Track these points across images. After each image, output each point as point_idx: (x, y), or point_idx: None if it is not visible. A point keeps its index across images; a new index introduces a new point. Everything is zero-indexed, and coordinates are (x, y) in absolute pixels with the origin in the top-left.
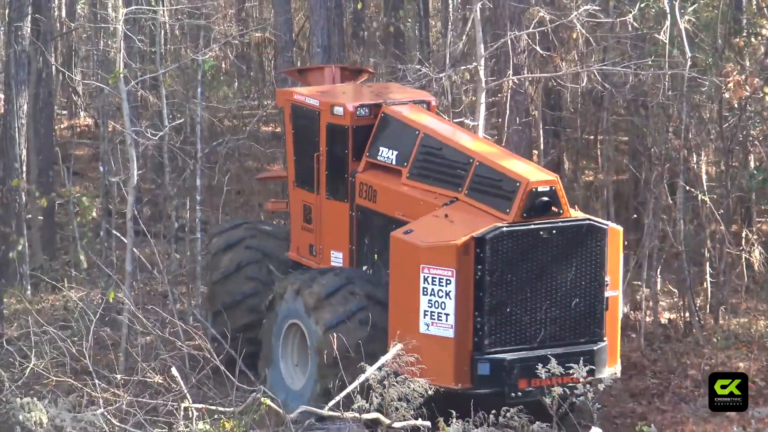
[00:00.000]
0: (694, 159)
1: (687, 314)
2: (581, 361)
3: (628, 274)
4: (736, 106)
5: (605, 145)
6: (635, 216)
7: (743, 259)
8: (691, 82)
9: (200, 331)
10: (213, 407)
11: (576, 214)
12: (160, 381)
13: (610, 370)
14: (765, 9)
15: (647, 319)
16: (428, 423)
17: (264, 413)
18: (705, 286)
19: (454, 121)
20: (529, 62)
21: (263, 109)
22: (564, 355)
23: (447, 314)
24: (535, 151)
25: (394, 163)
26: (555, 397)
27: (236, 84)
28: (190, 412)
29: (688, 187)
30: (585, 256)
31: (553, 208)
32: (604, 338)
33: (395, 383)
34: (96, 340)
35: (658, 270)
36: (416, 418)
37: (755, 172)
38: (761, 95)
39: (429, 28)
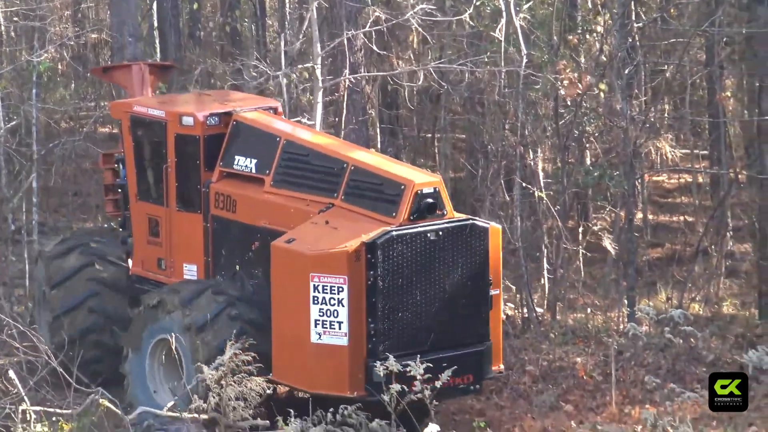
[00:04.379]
0: (531, 156)
1: (525, 310)
2: (470, 363)
3: None
4: (570, 102)
5: (442, 143)
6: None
7: (580, 255)
8: (526, 80)
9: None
10: (51, 410)
11: (458, 214)
12: None
13: (495, 369)
14: (599, 6)
15: None
16: (267, 422)
17: (102, 415)
18: (542, 282)
19: (291, 120)
20: (366, 61)
21: (100, 111)
22: (454, 357)
23: (340, 322)
24: (372, 150)
25: (254, 171)
26: (393, 395)
27: (73, 85)
28: (27, 415)
29: (524, 184)
30: (470, 257)
31: (438, 210)
32: (489, 339)
33: (232, 383)
34: None
35: None
36: (255, 418)
37: (591, 168)
38: (596, 92)
39: (266, 28)
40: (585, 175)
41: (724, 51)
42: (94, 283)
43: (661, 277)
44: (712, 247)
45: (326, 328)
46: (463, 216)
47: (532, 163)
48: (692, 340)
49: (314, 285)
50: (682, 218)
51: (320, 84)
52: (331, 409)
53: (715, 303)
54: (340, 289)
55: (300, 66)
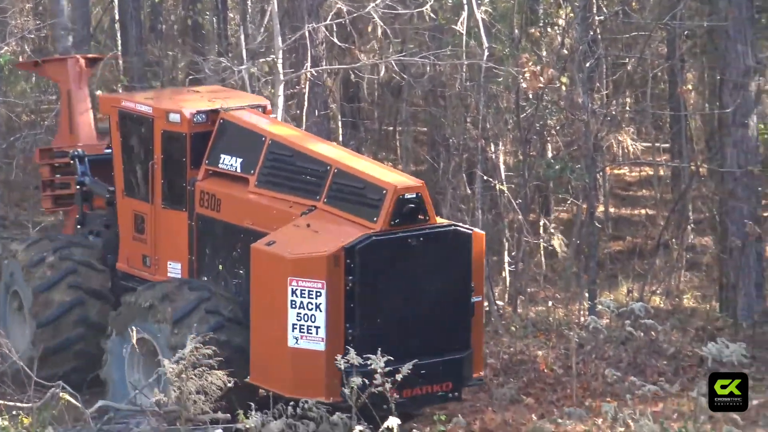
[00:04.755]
0: (492, 149)
1: (486, 303)
2: (450, 371)
3: None
4: (532, 96)
5: (404, 136)
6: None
7: (541, 248)
8: (488, 73)
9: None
10: (11, 403)
11: (440, 220)
12: None
13: (476, 376)
14: None
15: None
16: (228, 416)
17: (63, 408)
18: (503, 275)
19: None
20: (328, 54)
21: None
22: (434, 364)
23: (318, 327)
24: (334, 143)
25: (239, 170)
26: (354, 388)
27: (34, 78)
28: None
29: (485, 177)
30: (452, 263)
31: (420, 215)
32: (471, 346)
33: (193, 376)
34: None
35: None
36: (216, 411)
37: (552, 161)
38: (557, 85)
39: (227, 21)
40: (546, 168)
41: (685, 44)
42: (83, 327)
43: (622, 270)
44: (673, 240)
45: (303, 332)
46: (445, 222)
47: (494, 156)
48: (653, 333)
49: (292, 289)
50: (643, 211)
51: (281, 77)
52: (292, 403)
53: (675, 296)
54: (318, 294)
55: (262, 59)
